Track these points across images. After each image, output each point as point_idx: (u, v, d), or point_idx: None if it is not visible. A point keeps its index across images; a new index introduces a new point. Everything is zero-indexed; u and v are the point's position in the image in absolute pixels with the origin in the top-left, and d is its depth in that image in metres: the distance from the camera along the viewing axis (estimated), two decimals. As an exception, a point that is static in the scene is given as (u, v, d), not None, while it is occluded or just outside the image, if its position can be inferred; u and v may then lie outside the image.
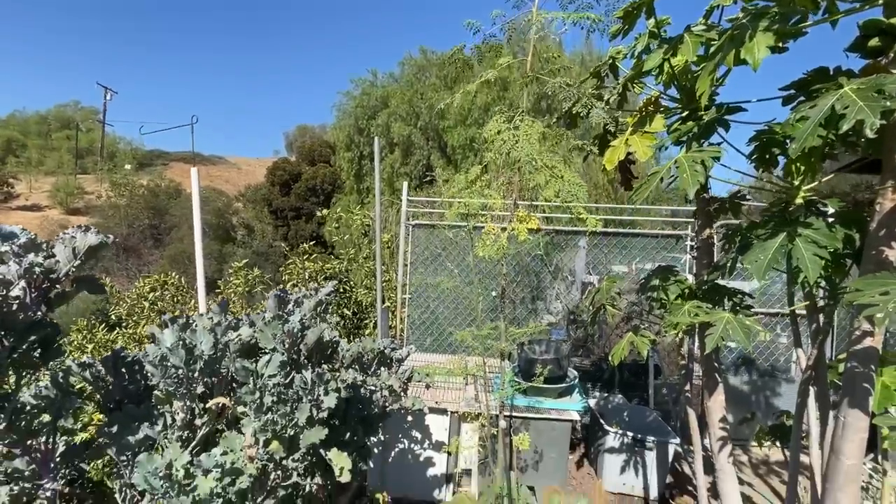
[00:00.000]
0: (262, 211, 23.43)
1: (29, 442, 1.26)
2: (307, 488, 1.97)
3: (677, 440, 3.11)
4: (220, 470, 1.22)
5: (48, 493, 1.33)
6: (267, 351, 1.35)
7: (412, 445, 3.14)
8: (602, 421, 3.28)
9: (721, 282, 2.00)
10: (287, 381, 1.39)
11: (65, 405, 1.29)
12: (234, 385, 1.37)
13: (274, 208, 22.35)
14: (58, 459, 1.35)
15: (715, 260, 2.21)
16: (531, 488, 2.95)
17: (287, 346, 1.32)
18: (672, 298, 2.08)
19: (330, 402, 1.37)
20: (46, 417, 1.31)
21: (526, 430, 2.98)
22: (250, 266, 5.78)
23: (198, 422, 1.43)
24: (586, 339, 4.33)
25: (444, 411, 3.07)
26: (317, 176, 20.74)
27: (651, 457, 3.11)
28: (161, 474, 1.20)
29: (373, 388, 2.21)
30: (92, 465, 2.18)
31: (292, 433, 1.35)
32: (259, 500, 1.38)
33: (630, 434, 3.14)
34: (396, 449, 3.14)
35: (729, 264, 1.94)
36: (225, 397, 1.32)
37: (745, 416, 2.42)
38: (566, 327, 4.29)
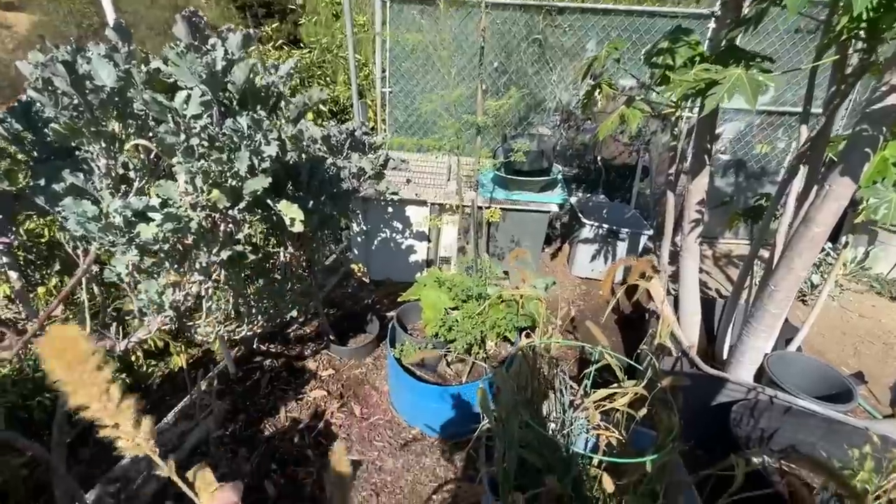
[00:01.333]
0: (228, 8, 20.14)
1: None
2: (281, 257, 2.03)
3: (650, 232, 3.21)
4: (160, 215, 1.14)
5: (1, 247, 1.25)
6: (187, 87, 1.13)
7: (394, 235, 3.24)
8: (581, 215, 3.33)
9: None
10: (223, 127, 1.21)
11: None
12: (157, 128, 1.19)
13: (240, 4, 19.21)
14: None
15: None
16: (506, 273, 3.17)
17: (205, 79, 1.10)
18: (679, 64, 1.79)
19: (271, 150, 1.23)
20: None
21: (504, 221, 3.03)
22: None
23: (131, 174, 1.29)
24: (576, 136, 4.11)
25: (423, 203, 3.06)
26: (284, -43, 17.16)
27: (622, 247, 3.26)
28: (92, 216, 1.11)
29: (341, 166, 2.08)
30: (37, 222, 2.19)
31: (234, 183, 1.24)
32: (214, 250, 1.35)
33: (605, 226, 3.22)
34: (379, 238, 3.25)
35: (757, 13, 1.59)
36: (146, 141, 1.16)
37: (722, 201, 2.41)
38: (560, 127, 4.02)
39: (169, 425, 2.04)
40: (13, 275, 1.43)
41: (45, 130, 1.32)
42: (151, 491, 1.74)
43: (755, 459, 1.63)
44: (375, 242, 3.26)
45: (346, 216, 2.24)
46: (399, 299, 2.28)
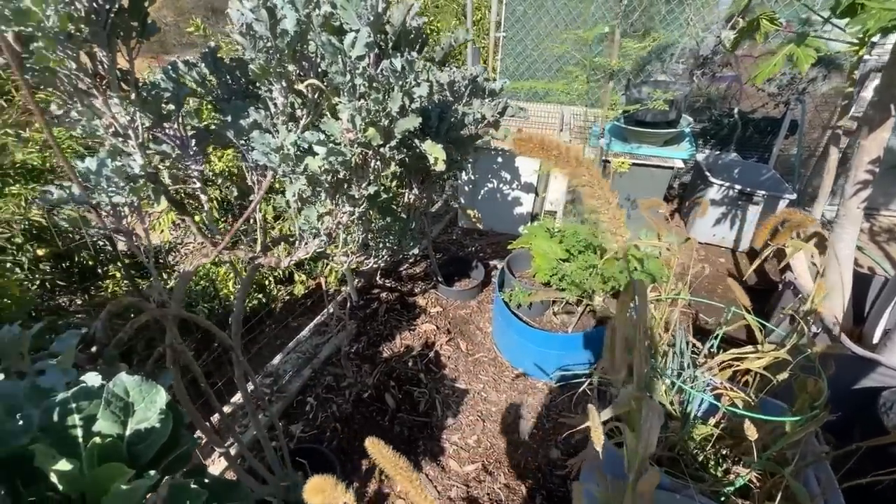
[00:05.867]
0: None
1: (164, 126, 1.37)
2: (405, 198, 2.18)
3: (792, 196, 2.83)
4: (325, 150, 1.29)
5: (195, 173, 1.50)
6: (353, 29, 1.23)
7: (501, 186, 3.26)
8: (708, 173, 3.03)
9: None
10: (377, 70, 1.31)
11: (181, 93, 1.35)
12: (324, 73, 1.33)
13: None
14: (193, 145, 1.47)
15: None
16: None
17: (371, 21, 1.18)
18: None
19: (422, 91, 1.31)
20: (171, 107, 1.39)
21: (620, 177, 2.88)
22: None
23: (298, 113, 1.46)
24: (710, 85, 3.66)
25: (535, 154, 3.01)
26: None
27: (755, 211, 2.93)
28: (274, 147, 1.29)
29: (465, 112, 2.13)
30: (222, 157, 2.56)
31: (387, 123, 1.35)
32: (363, 185, 1.50)
33: (738, 187, 2.90)
34: (486, 188, 3.29)
35: None
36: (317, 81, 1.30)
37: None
38: (692, 74, 3.59)
39: (306, 338, 2.39)
40: (203, 197, 1.73)
41: (226, 74, 1.53)
42: (297, 388, 2.08)
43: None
44: (482, 192, 3.31)
45: (464, 163, 2.31)
46: (509, 247, 2.34)
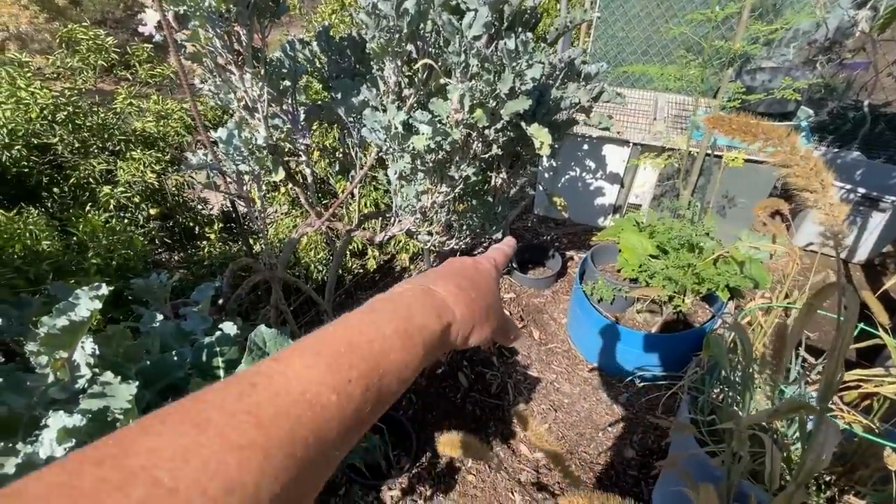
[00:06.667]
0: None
1: (282, 101, 1.44)
2: (492, 181, 2.18)
3: (933, 205, 2.46)
4: (430, 129, 1.31)
5: (302, 147, 1.59)
6: (471, 9, 1.23)
7: (584, 174, 3.15)
8: (824, 173, 2.72)
9: None
10: (489, 50, 1.31)
11: (297, 70, 1.42)
12: (437, 53, 1.35)
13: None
14: (302, 120, 1.55)
15: None
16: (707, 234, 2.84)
17: (491, 1, 1.18)
18: None
19: (534, 73, 1.29)
20: (287, 83, 1.46)
21: (721, 172, 2.66)
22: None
23: (406, 92, 1.49)
24: (836, 74, 3.24)
25: (625, 142, 2.86)
26: None
27: (879, 218, 2.59)
28: (384, 125, 1.33)
29: (561, 96, 2.06)
30: (325, 132, 2.69)
31: (494, 104, 1.34)
32: (462, 165, 1.51)
33: (861, 191, 2.57)
34: (567, 176, 3.20)
35: None
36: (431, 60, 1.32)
37: None
38: (811, 60, 3.20)
39: (383, 310, 2.50)
40: (307, 171, 1.84)
41: (336, 52, 1.59)
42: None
43: None
44: (563, 180, 3.22)
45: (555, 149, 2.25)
46: (594, 239, 2.27)
